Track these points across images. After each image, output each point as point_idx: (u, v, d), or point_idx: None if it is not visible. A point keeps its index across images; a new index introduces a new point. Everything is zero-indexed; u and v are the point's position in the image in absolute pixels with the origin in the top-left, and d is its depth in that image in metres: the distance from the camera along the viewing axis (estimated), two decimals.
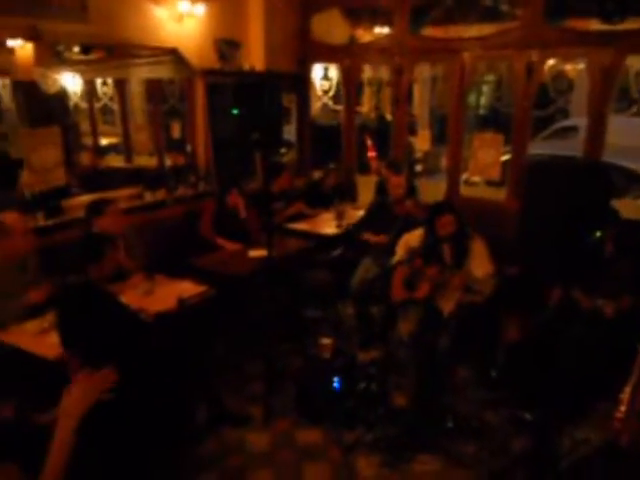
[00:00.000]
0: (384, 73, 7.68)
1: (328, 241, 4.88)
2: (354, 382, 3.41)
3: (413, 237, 3.67)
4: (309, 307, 4.70)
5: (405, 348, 3.52)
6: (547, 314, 3.50)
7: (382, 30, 6.51)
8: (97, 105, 7.02)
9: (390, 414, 3.26)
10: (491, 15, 5.85)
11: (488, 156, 5.14)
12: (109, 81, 6.76)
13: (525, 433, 3.12)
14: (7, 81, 6.26)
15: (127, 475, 2.18)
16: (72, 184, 4.75)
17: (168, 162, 5.91)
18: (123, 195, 4.62)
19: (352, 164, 6.29)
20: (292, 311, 4.42)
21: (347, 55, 5.88)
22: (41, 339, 2.80)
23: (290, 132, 6.40)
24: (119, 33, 4.38)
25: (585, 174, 4.42)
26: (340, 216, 5.06)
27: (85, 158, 6.42)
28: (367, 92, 8.83)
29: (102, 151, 7.23)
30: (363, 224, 4.67)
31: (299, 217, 5.30)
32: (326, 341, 3.56)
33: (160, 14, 4.63)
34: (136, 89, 7.18)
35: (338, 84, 6.10)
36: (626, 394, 2.06)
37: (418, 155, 9.67)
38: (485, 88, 13.87)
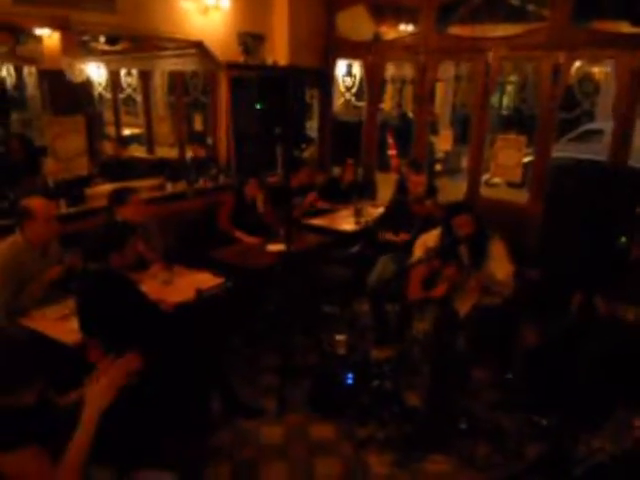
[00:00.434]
0: (407, 71, 7.65)
1: (346, 237, 4.87)
2: (368, 379, 3.40)
3: (431, 237, 3.65)
4: (325, 302, 4.70)
5: (420, 347, 3.51)
6: (567, 319, 3.46)
7: (407, 27, 6.49)
8: (121, 96, 7.09)
9: (403, 412, 3.25)
10: (518, 15, 5.80)
11: (510, 157, 5.09)
12: (133, 72, 6.82)
13: (540, 438, 3.09)
14: (33, 69, 6.37)
15: (141, 457, 2.22)
16: (94, 173, 4.81)
17: (189, 154, 5.95)
18: (145, 185, 4.66)
19: (372, 161, 6.28)
20: (308, 306, 4.43)
21: (371, 52, 5.86)
22: (61, 324, 2.85)
23: (311, 127, 6.41)
24: (146, 25, 4.42)
25: (611, 179, 4.35)
26: (358, 213, 5.05)
27: (108, 148, 6.49)
28: (389, 89, 8.81)
29: (124, 141, 7.30)
30: (382, 222, 4.65)
31: (317, 212, 5.30)
32: (341, 337, 3.57)
33: (186, 6, 4.66)
34: (158, 81, 7.25)
35: (361, 81, 6.08)
36: None
37: (438, 155, 9.62)
38: (508, 88, 13.72)
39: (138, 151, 7.13)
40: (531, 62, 5.49)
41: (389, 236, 4.49)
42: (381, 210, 4.95)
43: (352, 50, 6.03)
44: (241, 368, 3.73)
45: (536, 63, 4.96)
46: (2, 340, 1.79)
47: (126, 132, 7.57)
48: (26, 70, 6.61)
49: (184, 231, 4.63)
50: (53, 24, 3.81)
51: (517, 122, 10.94)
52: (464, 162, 7.91)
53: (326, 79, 6.18)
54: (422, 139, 5.82)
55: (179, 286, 3.40)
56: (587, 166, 6.38)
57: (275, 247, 4.15)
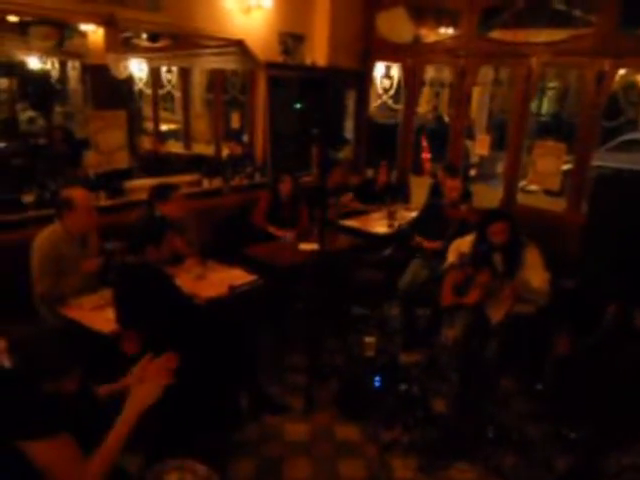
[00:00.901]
0: (445, 74, 7.58)
1: (378, 240, 4.86)
2: (395, 383, 3.40)
3: (465, 242, 3.62)
4: (355, 304, 4.70)
5: (448, 354, 3.49)
6: (601, 331, 3.39)
7: (447, 30, 6.42)
8: (160, 92, 7.22)
9: (429, 418, 3.23)
10: (562, 20, 5.67)
11: (549, 165, 5.00)
12: (173, 69, 6.94)
13: (568, 451, 3.04)
14: (76, 64, 6.53)
15: (171, 447, 2.26)
16: (133, 167, 4.91)
17: (225, 151, 6.02)
18: (183, 181, 4.73)
19: (407, 164, 6.24)
20: (338, 307, 4.44)
21: (410, 54, 5.84)
22: (97, 314, 2.92)
23: (347, 128, 6.41)
24: (188, 23, 4.49)
25: None
26: (391, 216, 5.04)
27: (147, 143, 6.61)
28: (426, 92, 8.73)
29: (162, 137, 7.43)
30: (416, 226, 4.63)
31: (350, 214, 5.30)
32: (370, 339, 3.56)
33: (229, 6, 4.72)
34: (197, 78, 7.36)
35: (399, 83, 6.06)
36: None
37: (474, 160, 9.50)
38: (549, 94, 13.46)
39: (175, 147, 7.25)
40: (575, 69, 5.38)
41: (421, 241, 4.46)
42: (414, 214, 4.92)
43: (392, 52, 6.00)
44: (269, 366, 3.76)
45: (580, 70, 4.87)
46: (45, 327, 1.85)
47: (163, 128, 7.71)
48: (70, 64, 6.78)
49: (219, 227, 4.69)
50: (99, 20, 3.90)
51: (555, 129, 10.73)
52: (499, 168, 7.79)
53: (364, 81, 6.18)
54: (458, 143, 5.77)
55: (212, 281, 3.44)
56: (631, 176, 6.21)
57: (307, 246, 4.17)
